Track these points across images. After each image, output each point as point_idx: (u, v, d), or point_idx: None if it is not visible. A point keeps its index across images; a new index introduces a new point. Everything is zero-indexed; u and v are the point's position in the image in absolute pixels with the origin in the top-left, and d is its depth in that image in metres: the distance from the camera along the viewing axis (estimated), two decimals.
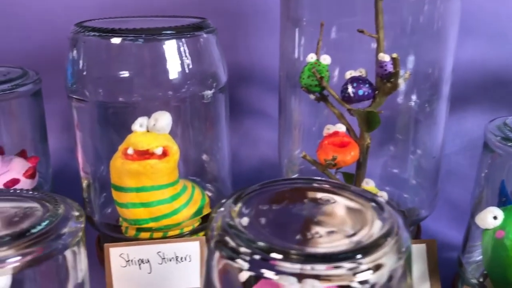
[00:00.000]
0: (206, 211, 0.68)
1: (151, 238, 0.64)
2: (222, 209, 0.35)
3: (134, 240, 0.63)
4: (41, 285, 0.37)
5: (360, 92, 0.61)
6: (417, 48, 0.59)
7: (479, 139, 0.84)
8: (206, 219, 0.66)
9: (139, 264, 0.59)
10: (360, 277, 0.30)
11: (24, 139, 0.71)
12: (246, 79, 0.91)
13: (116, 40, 0.57)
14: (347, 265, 0.30)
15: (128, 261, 0.58)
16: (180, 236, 0.65)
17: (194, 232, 0.65)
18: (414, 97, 0.60)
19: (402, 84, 0.59)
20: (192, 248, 0.59)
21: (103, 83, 0.59)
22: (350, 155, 0.62)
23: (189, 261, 0.59)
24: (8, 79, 0.66)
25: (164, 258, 0.59)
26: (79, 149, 0.62)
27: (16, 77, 0.67)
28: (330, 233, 0.32)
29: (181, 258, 0.59)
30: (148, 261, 0.59)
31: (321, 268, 0.30)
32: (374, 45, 0.60)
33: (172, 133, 0.61)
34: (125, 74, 0.58)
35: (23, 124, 0.70)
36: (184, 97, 0.60)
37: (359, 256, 0.31)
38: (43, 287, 0.37)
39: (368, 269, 0.31)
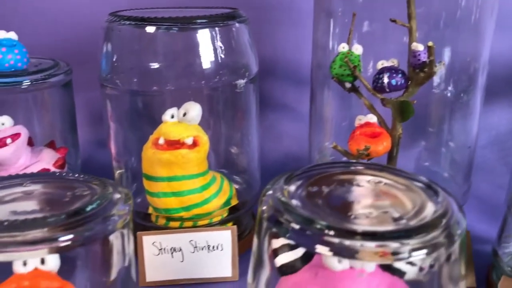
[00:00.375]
0: (233, 202, 0.68)
1: (181, 227, 0.64)
2: (271, 192, 0.35)
3: (164, 229, 0.63)
4: (89, 266, 0.37)
5: (394, 82, 0.60)
6: (452, 38, 0.58)
7: (507, 134, 0.84)
8: (233, 210, 0.66)
9: (172, 253, 0.59)
10: (413, 257, 0.30)
11: (53, 130, 0.71)
12: (271, 72, 0.91)
13: (150, 29, 0.57)
14: (399, 245, 0.30)
15: (161, 249, 0.59)
16: (210, 226, 0.65)
17: (223, 222, 0.66)
18: (449, 87, 0.59)
19: (437, 73, 0.59)
20: (224, 237, 0.59)
21: (137, 72, 0.59)
22: (383, 146, 0.62)
23: (221, 250, 0.59)
24: (39, 70, 0.66)
25: (196, 247, 0.59)
26: (112, 139, 0.63)
27: (47, 68, 0.67)
28: (383, 213, 0.32)
29: (213, 247, 0.59)
30: (181, 249, 0.59)
31: (371, 246, 0.30)
32: (405, 37, 0.60)
33: (203, 124, 0.61)
34: (158, 63, 0.58)
35: (53, 115, 0.71)
36: (217, 86, 0.60)
37: (412, 236, 0.31)
38: (91, 268, 0.38)
39: (420, 249, 0.30)
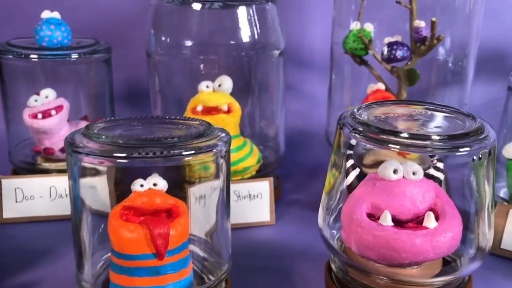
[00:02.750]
0: (260, 163, 0.77)
1: None
2: (346, 118, 0.46)
3: None
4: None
5: (401, 53, 0.71)
6: (452, 21, 0.70)
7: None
8: (259, 171, 0.75)
9: None
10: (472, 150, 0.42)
11: (92, 103, 0.78)
12: None
13: (196, 6, 0.66)
14: (460, 141, 0.42)
15: None
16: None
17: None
18: (449, 58, 0.71)
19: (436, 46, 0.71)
20: (263, 187, 0.68)
21: (182, 45, 0.68)
22: None
23: (260, 198, 0.68)
24: (84, 45, 0.73)
25: (239, 196, 0.68)
26: (158, 107, 0.71)
27: (90, 45, 0.74)
28: (437, 127, 0.43)
29: (254, 196, 0.68)
30: (204, 196, 0.67)
31: (439, 144, 0.41)
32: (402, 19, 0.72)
33: (237, 92, 0.70)
34: (202, 36, 0.67)
35: (93, 90, 0.78)
36: (253, 57, 0.69)
37: (468, 135, 0.42)
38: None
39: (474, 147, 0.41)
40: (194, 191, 0.50)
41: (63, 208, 0.70)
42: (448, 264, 0.49)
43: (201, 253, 0.50)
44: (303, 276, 0.58)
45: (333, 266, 0.51)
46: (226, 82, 0.72)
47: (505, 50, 0.94)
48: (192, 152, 0.43)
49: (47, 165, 0.74)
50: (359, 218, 0.46)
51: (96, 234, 0.48)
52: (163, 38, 0.69)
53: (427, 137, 0.42)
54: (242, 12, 0.67)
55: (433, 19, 0.68)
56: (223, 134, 0.47)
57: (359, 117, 0.46)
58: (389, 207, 0.46)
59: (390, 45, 0.72)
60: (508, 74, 0.71)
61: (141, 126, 0.48)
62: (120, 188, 0.48)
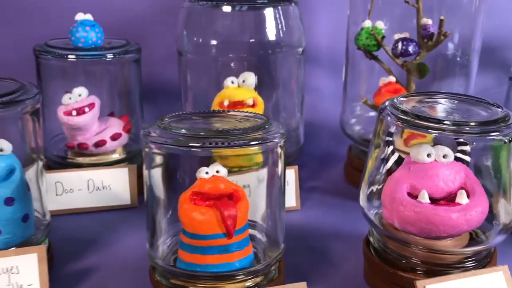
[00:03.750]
0: None
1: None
2: (388, 106, 0.52)
3: None
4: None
5: (410, 48, 0.78)
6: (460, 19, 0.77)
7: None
8: None
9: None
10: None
11: (122, 101, 0.81)
12: None
13: (227, 8, 0.70)
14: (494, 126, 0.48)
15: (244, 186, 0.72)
16: None
17: None
18: (458, 52, 0.78)
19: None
20: (289, 175, 0.73)
21: (212, 45, 0.73)
22: None
23: (287, 185, 0.73)
24: (117, 46, 0.77)
25: None
26: (189, 103, 0.75)
27: (121, 45, 0.78)
28: (467, 116, 0.50)
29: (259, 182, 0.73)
30: (249, 186, 0.72)
31: (477, 130, 0.48)
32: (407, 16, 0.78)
33: (261, 87, 0.75)
34: (232, 36, 0.72)
35: (123, 88, 0.81)
36: (278, 55, 0.74)
37: (498, 122, 0.48)
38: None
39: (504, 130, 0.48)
40: (257, 176, 0.55)
41: (101, 200, 0.74)
42: (475, 237, 0.55)
43: (257, 235, 0.55)
44: (338, 253, 0.64)
45: (371, 240, 0.58)
46: (250, 78, 0.76)
47: (505, 43, 1.01)
48: (258, 142, 0.48)
49: (80, 160, 0.77)
50: (400, 197, 0.52)
51: (165, 217, 0.53)
52: (195, 38, 0.73)
53: (465, 123, 0.48)
54: (268, 13, 0.72)
55: (442, 17, 0.74)
56: (280, 126, 0.52)
57: (400, 107, 0.52)
58: (425, 187, 0.52)
59: (401, 40, 0.78)
60: (508, 66, 0.79)
61: (203, 120, 0.53)
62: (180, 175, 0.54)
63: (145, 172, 0.51)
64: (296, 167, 0.74)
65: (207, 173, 0.51)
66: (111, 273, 0.60)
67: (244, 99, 0.76)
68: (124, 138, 0.80)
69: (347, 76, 0.82)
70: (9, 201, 0.53)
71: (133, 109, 0.82)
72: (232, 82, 0.77)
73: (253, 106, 0.77)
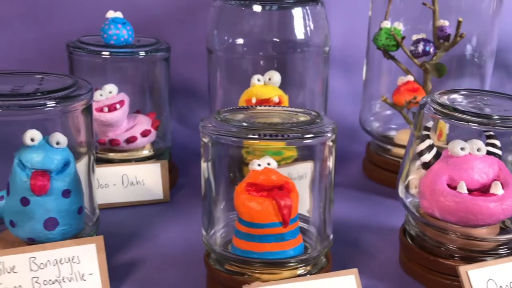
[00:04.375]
0: None
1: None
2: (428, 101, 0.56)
3: None
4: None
5: (428, 49, 0.81)
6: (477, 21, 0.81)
7: None
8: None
9: None
10: None
11: (151, 98, 0.83)
12: None
13: (257, 8, 0.73)
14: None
15: None
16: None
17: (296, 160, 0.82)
18: (476, 53, 0.82)
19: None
20: (306, 169, 0.76)
21: (242, 43, 0.75)
22: (421, 96, 0.83)
23: (305, 178, 0.76)
24: (145, 44, 0.78)
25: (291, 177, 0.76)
26: (218, 100, 0.78)
27: (151, 44, 0.79)
28: (505, 111, 0.54)
29: (300, 177, 0.75)
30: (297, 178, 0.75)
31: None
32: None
33: (289, 84, 0.78)
34: (261, 34, 0.75)
35: (152, 85, 0.82)
36: (306, 53, 0.77)
37: None
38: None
39: None
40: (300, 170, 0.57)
41: (135, 195, 0.76)
42: (503, 226, 0.59)
43: (305, 227, 0.58)
44: (371, 244, 0.67)
45: (407, 228, 0.61)
46: (275, 76, 0.79)
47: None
48: (312, 135, 0.51)
49: (111, 155, 0.79)
50: (441, 189, 0.55)
51: (220, 207, 0.56)
52: (225, 37, 0.76)
53: (507, 118, 0.52)
54: (297, 12, 0.75)
55: (460, 19, 0.78)
56: (331, 121, 0.54)
57: (441, 102, 0.56)
58: (462, 178, 0.55)
59: (422, 41, 0.82)
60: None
61: (256, 114, 0.55)
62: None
63: (203, 164, 0.54)
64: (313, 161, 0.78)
65: (259, 165, 0.53)
66: (160, 264, 0.62)
67: (270, 97, 0.79)
68: (153, 135, 0.82)
69: (367, 75, 0.86)
70: (66, 193, 0.55)
71: (161, 106, 0.84)
72: (259, 80, 0.80)
73: (279, 103, 0.80)
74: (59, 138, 0.54)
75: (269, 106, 0.60)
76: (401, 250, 0.62)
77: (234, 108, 0.57)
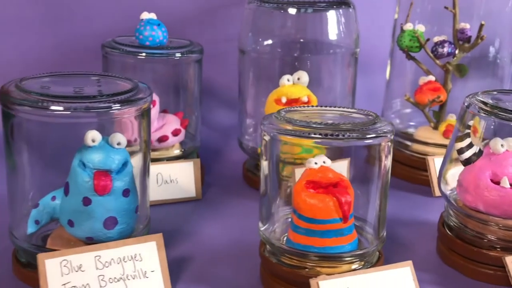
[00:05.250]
0: None
1: None
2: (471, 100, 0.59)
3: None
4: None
5: (450, 50, 0.84)
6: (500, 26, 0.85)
7: None
8: None
9: None
10: None
11: (183, 99, 0.84)
12: None
13: (292, 10, 0.75)
14: None
15: None
16: None
17: None
18: (498, 54, 0.86)
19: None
20: (342, 167, 0.78)
21: (276, 44, 0.77)
22: (444, 95, 0.86)
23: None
24: (180, 46, 0.79)
25: None
26: (249, 99, 0.79)
27: (185, 45, 0.80)
28: None
29: None
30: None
31: None
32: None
33: (316, 84, 0.80)
34: (295, 36, 0.77)
35: (184, 86, 0.83)
36: (338, 55, 0.80)
37: None
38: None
39: None
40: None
41: (169, 193, 0.77)
42: None
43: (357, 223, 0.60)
44: (407, 238, 0.70)
45: (446, 220, 0.64)
46: (304, 76, 0.81)
47: None
48: (374, 135, 0.53)
49: None
50: (485, 184, 0.58)
51: (276, 202, 0.58)
52: (260, 39, 0.78)
53: None
54: (331, 15, 0.78)
55: (482, 22, 0.81)
56: (388, 123, 0.56)
57: (486, 101, 0.60)
58: (504, 174, 0.59)
59: (441, 43, 0.85)
60: None
61: (312, 113, 0.57)
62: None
63: (264, 162, 0.56)
64: (349, 159, 0.80)
65: (316, 163, 0.55)
66: (210, 260, 0.64)
67: (300, 97, 0.81)
68: (183, 134, 0.83)
69: (390, 75, 0.89)
70: (126, 193, 0.56)
71: (192, 107, 0.85)
72: (288, 80, 0.82)
73: (308, 103, 0.82)
74: (120, 138, 0.55)
75: (321, 106, 0.62)
76: (440, 242, 0.65)
77: (292, 108, 0.59)
